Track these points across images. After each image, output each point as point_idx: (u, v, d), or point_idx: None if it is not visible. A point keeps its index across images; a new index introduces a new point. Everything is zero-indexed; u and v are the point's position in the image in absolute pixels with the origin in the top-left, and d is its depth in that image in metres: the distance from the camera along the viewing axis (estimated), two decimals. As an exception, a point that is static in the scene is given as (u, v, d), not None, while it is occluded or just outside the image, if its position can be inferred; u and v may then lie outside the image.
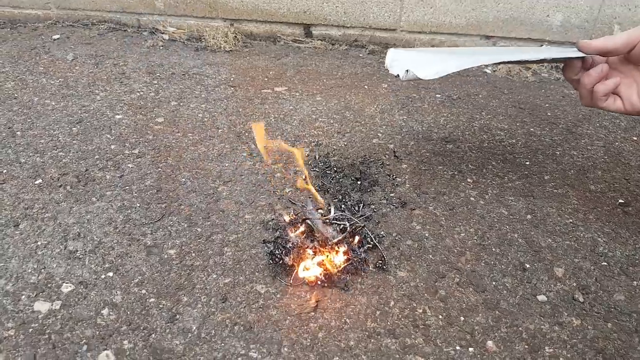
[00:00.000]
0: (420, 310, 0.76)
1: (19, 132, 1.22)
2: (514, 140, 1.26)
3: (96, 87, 1.48)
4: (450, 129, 1.30)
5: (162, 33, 1.98)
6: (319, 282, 0.79)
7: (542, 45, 0.97)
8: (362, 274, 0.82)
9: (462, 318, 0.75)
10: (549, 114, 1.43)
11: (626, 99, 0.81)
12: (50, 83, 1.51)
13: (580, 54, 0.80)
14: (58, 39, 1.91)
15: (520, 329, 0.73)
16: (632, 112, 0.81)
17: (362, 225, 0.89)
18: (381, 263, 0.84)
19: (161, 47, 1.85)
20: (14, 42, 1.86)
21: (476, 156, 1.18)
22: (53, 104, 1.37)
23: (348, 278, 0.81)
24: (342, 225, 0.85)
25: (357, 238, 0.86)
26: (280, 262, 0.82)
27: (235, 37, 1.91)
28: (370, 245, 0.86)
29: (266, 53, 1.85)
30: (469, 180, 1.08)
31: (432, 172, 1.10)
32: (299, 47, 1.92)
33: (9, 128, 1.24)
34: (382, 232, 0.91)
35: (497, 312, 0.76)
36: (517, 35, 1.81)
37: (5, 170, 1.07)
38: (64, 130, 1.24)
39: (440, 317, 0.75)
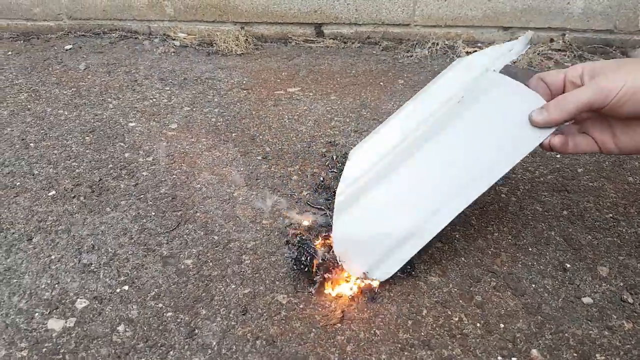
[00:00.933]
0: (456, 318, 0.71)
1: (32, 144, 1.19)
2: (542, 133, 1.20)
3: (109, 96, 1.46)
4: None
5: (173, 39, 1.96)
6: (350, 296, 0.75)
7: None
8: (390, 279, 0.77)
9: (501, 325, 0.70)
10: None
11: (600, 142, 0.68)
12: (63, 93, 1.48)
13: (539, 136, 0.66)
14: (70, 49, 1.89)
15: (566, 335, 0.68)
16: (605, 153, 0.69)
17: None
18: (410, 268, 0.78)
19: (173, 54, 1.83)
20: (27, 54, 1.85)
21: (503, 151, 1.12)
22: (66, 113, 1.35)
23: (376, 287, 0.76)
24: None
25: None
26: (305, 269, 0.77)
27: (247, 40, 1.88)
28: None
29: (278, 54, 1.81)
30: (497, 176, 1.02)
31: (458, 169, 1.05)
32: (311, 47, 1.88)
33: (23, 140, 1.21)
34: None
35: (539, 317, 0.71)
36: (535, 25, 1.74)
37: (18, 183, 1.04)
38: (77, 140, 1.21)
39: (478, 324, 0.70)
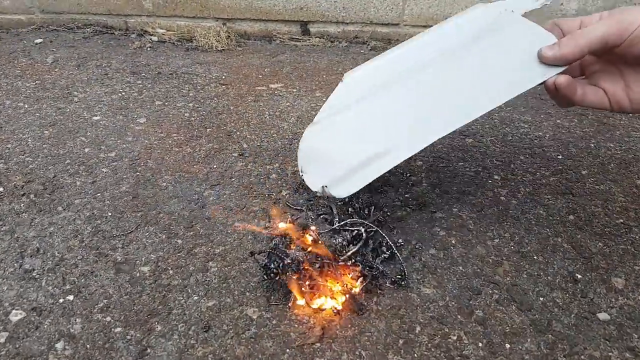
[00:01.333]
0: (455, 337, 0.60)
1: (-18, 138, 1.08)
2: (540, 133, 1.11)
3: (75, 89, 1.34)
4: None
5: (151, 35, 1.85)
6: (333, 310, 0.64)
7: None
8: (378, 291, 0.66)
9: (507, 345, 0.60)
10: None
11: (611, 94, 0.63)
12: (26, 86, 1.37)
13: (544, 74, 0.64)
14: (40, 43, 1.77)
15: (582, 357, 0.58)
16: (616, 110, 0.64)
17: (375, 229, 0.73)
18: (400, 277, 0.68)
19: (149, 48, 1.72)
20: (-9, 47, 1.73)
21: (501, 150, 1.03)
22: (26, 107, 1.23)
23: (362, 299, 0.65)
24: (354, 232, 0.70)
25: (370, 245, 0.71)
26: (277, 279, 0.66)
27: (229, 36, 1.78)
28: (387, 255, 0.71)
29: (261, 52, 1.71)
30: (496, 177, 0.93)
31: (452, 169, 0.95)
32: (296, 45, 1.78)
33: (-28, 133, 1.10)
34: (400, 240, 0.75)
35: (550, 335, 0.61)
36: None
37: (-40, 180, 0.93)
38: (35, 134, 1.09)
39: (480, 344, 0.60)
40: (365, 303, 0.65)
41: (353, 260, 0.68)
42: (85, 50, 1.68)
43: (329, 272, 0.66)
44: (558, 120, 1.18)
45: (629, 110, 0.62)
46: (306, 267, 0.65)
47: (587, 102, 0.64)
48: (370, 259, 0.70)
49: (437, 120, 0.70)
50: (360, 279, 0.67)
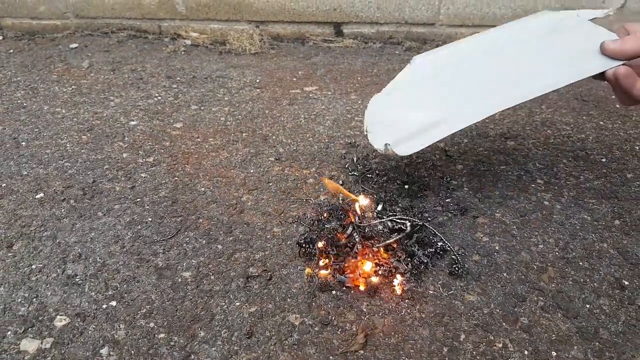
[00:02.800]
0: (500, 345, 0.59)
1: (23, 143, 1.10)
2: (583, 135, 1.08)
3: (111, 94, 1.37)
4: (508, 124, 1.13)
5: (185, 39, 1.87)
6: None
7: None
8: (422, 298, 0.65)
9: (553, 353, 0.58)
10: (617, 106, 1.24)
11: None
12: (63, 91, 1.40)
13: (605, 65, 0.70)
14: (75, 47, 1.81)
15: (635, 368, 0.56)
16: None
17: (420, 223, 0.76)
18: (457, 267, 0.70)
19: (183, 52, 1.74)
20: (30, 52, 1.77)
21: (543, 154, 1.00)
22: (63, 111, 1.26)
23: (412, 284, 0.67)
24: (398, 225, 0.73)
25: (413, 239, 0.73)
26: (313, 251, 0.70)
27: (262, 39, 1.78)
28: (433, 250, 0.72)
29: (294, 54, 1.71)
30: (539, 181, 0.91)
31: (493, 173, 0.93)
32: (329, 47, 1.78)
33: (14, 139, 1.12)
34: (445, 245, 0.74)
35: (597, 343, 0.59)
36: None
37: (4, 184, 0.95)
38: (73, 139, 1.11)
39: (526, 352, 0.58)
40: (409, 309, 0.64)
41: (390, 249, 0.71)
42: (120, 55, 1.71)
43: (363, 253, 0.69)
44: (601, 122, 1.14)
45: None
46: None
47: None
48: (415, 250, 0.71)
49: (496, 95, 0.75)
50: (381, 266, 0.69)
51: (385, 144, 0.76)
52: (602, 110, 1.21)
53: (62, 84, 1.45)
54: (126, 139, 1.11)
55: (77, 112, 1.25)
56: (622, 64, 0.68)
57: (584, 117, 1.17)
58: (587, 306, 0.65)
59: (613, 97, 1.30)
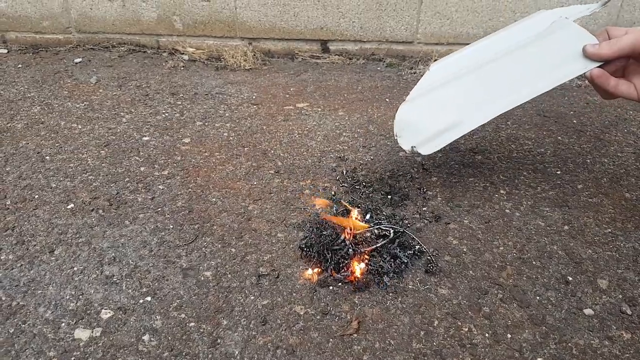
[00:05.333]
0: (466, 329, 0.74)
1: (47, 157, 1.23)
2: (542, 150, 1.25)
3: (121, 110, 1.50)
4: (477, 140, 1.29)
5: (182, 53, 2.00)
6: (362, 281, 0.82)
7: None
8: (403, 291, 0.80)
9: (508, 335, 0.73)
10: (574, 121, 1.41)
11: (639, 88, 0.82)
12: (76, 107, 1.52)
13: (585, 67, 0.85)
14: (80, 62, 1.93)
15: (569, 344, 0.71)
16: None
17: (402, 230, 0.91)
18: (431, 266, 0.85)
19: (182, 68, 1.87)
20: (37, 67, 1.89)
21: (506, 166, 1.16)
22: (80, 127, 1.39)
23: (389, 281, 0.82)
24: (383, 232, 0.89)
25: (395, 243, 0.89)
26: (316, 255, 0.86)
27: (254, 55, 1.93)
28: (412, 252, 0.88)
29: (285, 70, 1.85)
30: (502, 191, 1.07)
31: (463, 184, 1.09)
32: (317, 62, 1.93)
33: (38, 153, 1.25)
34: (422, 248, 0.89)
35: (544, 327, 0.74)
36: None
37: (37, 196, 1.08)
38: (93, 154, 1.24)
39: (487, 335, 0.73)
40: (392, 300, 0.79)
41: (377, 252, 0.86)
42: (123, 70, 1.84)
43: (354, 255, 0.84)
44: (559, 137, 1.31)
45: None
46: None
47: (620, 92, 0.83)
48: (397, 252, 0.86)
49: (501, 100, 0.91)
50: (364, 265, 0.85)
51: (412, 146, 0.92)
52: (561, 126, 1.38)
53: (74, 100, 1.57)
54: (141, 153, 1.24)
55: (92, 127, 1.38)
56: (600, 65, 0.83)
57: (544, 132, 1.34)
58: (537, 298, 0.80)
59: (572, 112, 1.47)
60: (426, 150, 0.93)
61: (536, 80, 0.90)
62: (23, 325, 0.76)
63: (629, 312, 0.77)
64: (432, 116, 0.96)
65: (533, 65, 0.92)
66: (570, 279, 0.84)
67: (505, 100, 0.91)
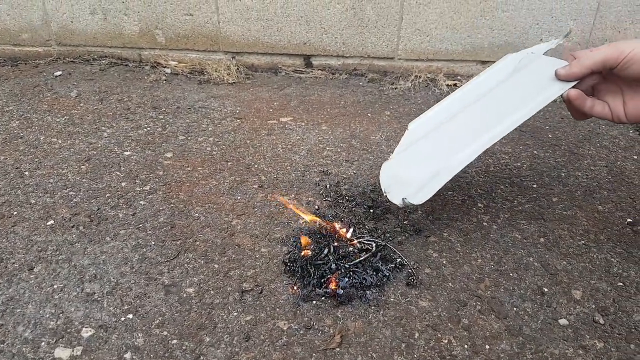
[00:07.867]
0: (446, 341, 0.76)
1: (27, 172, 1.22)
2: (519, 164, 1.28)
3: (102, 124, 1.49)
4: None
5: (164, 67, 2.01)
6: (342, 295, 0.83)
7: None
8: (385, 305, 0.82)
9: (487, 346, 0.75)
10: (550, 135, 1.45)
11: (612, 109, 0.83)
12: (56, 121, 1.51)
13: (561, 89, 0.85)
14: (60, 75, 1.92)
15: (545, 354, 0.73)
16: (616, 121, 0.83)
17: (384, 244, 0.92)
18: (412, 279, 0.86)
19: (164, 81, 1.87)
20: (16, 80, 1.87)
21: (484, 180, 1.19)
22: (60, 142, 1.38)
23: (371, 295, 0.83)
24: (365, 246, 0.90)
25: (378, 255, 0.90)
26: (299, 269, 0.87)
27: (238, 69, 1.94)
28: (393, 265, 0.89)
29: (268, 84, 1.87)
30: (479, 205, 1.09)
31: (442, 198, 1.11)
32: (300, 77, 1.95)
33: (17, 168, 1.24)
34: (403, 261, 0.91)
35: (520, 338, 0.76)
36: (513, 58, 1.84)
37: (15, 212, 1.07)
38: (73, 169, 1.24)
39: (466, 346, 0.75)
40: (374, 313, 0.80)
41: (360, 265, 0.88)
42: (104, 84, 1.83)
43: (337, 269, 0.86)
44: (535, 151, 1.35)
45: (625, 121, 0.82)
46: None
47: (595, 113, 0.83)
48: (379, 266, 0.88)
49: (483, 137, 0.91)
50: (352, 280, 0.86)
51: (403, 198, 0.91)
52: (537, 140, 1.42)
53: (54, 114, 1.56)
54: (122, 168, 1.24)
55: (72, 142, 1.38)
56: (575, 85, 0.83)
57: (521, 147, 1.37)
58: (515, 309, 0.82)
59: (547, 127, 1.51)
60: (418, 200, 0.91)
61: (514, 112, 0.91)
62: (2, 345, 0.75)
63: (601, 321, 0.79)
64: (416, 168, 0.96)
65: (510, 100, 0.94)
66: (546, 290, 0.86)
67: (487, 136, 0.91)
